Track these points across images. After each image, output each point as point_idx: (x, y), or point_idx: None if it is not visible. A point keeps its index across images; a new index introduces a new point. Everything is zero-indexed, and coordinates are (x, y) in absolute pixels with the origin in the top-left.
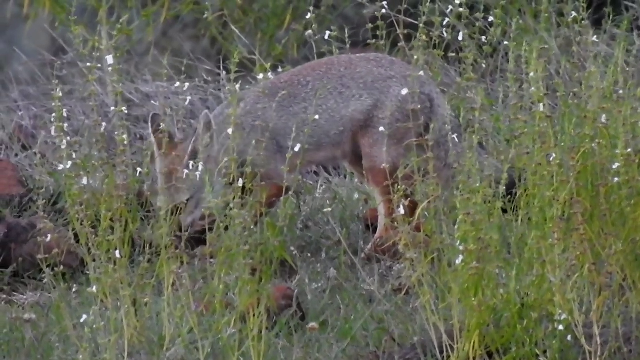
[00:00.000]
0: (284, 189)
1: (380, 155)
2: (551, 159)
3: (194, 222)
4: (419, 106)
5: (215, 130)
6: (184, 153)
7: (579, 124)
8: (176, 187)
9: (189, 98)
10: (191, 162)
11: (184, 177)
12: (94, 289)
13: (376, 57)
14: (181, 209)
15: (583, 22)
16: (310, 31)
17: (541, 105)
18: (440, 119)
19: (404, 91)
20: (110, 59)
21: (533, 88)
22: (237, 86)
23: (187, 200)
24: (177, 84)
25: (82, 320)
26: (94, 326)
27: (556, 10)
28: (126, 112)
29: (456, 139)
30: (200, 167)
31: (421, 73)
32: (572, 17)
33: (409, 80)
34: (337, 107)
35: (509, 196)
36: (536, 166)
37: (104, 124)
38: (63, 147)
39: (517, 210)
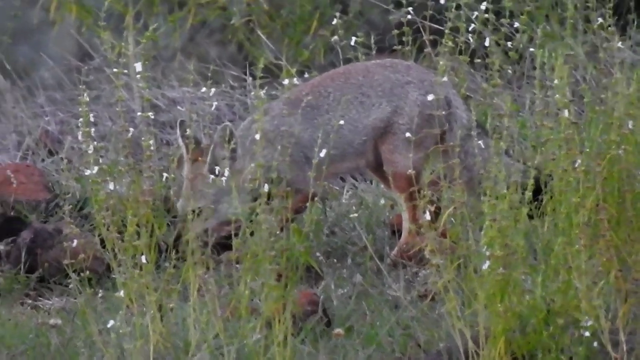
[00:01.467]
0: (310, 196)
1: (400, 160)
2: (577, 165)
3: (209, 231)
4: (441, 112)
5: (239, 143)
6: (205, 162)
7: (605, 130)
8: (192, 194)
9: (215, 104)
10: (209, 172)
11: (199, 185)
12: (122, 293)
13: (392, 62)
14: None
15: (609, 28)
16: (336, 37)
17: (566, 111)
18: (458, 120)
19: (430, 97)
20: (138, 66)
21: (558, 95)
22: (263, 92)
23: (201, 208)
24: (204, 89)
25: (109, 326)
26: (120, 331)
27: (582, 17)
28: (152, 117)
29: (482, 144)
30: (218, 178)
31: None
32: (598, 23)
33: (427, 85)
34: (358, 116)
35: (535, 202)
36: (562, 172)
37: (130, 129)
38: (90, 152)
39: (543, 217)
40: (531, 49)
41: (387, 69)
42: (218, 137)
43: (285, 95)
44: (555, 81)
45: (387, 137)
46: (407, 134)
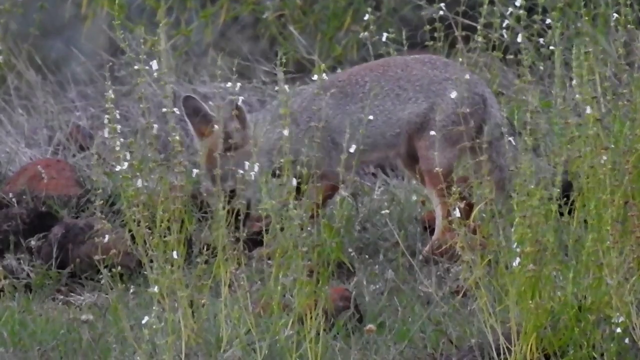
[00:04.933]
0: (339, 187)
1: (436, 157)
2: (602, 161)
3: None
4: (474, 107)
5: (249, 118)
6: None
7: (631, 127)
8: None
9: (241, 98)
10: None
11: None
12: (156, 289)
13: (430, 59)
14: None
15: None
16: (367, 33)
17: (588, 107)
18: (493, 119)
19: (453, 94)
20: (155, 65)
21: (582, 91)
22: (294, 86)
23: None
24: (238, 84)
25: (143, 322)
26: (154, 327)
27: (615, 13)
28: (178, 112)
29: (512, 142)
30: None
31: (471, 75)
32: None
33: (461, 82)
34: (393, 109)
35: (565, 199)
36: (589, 169)
37: (155, 125)
38: (117, 148)
39: (573, 213)
40: (559, 47)
41: (425, 64)
42: (226, 111)
43: (319, 80)
44: (575, 80)
45: (423, 133)
46: (436, 132)
